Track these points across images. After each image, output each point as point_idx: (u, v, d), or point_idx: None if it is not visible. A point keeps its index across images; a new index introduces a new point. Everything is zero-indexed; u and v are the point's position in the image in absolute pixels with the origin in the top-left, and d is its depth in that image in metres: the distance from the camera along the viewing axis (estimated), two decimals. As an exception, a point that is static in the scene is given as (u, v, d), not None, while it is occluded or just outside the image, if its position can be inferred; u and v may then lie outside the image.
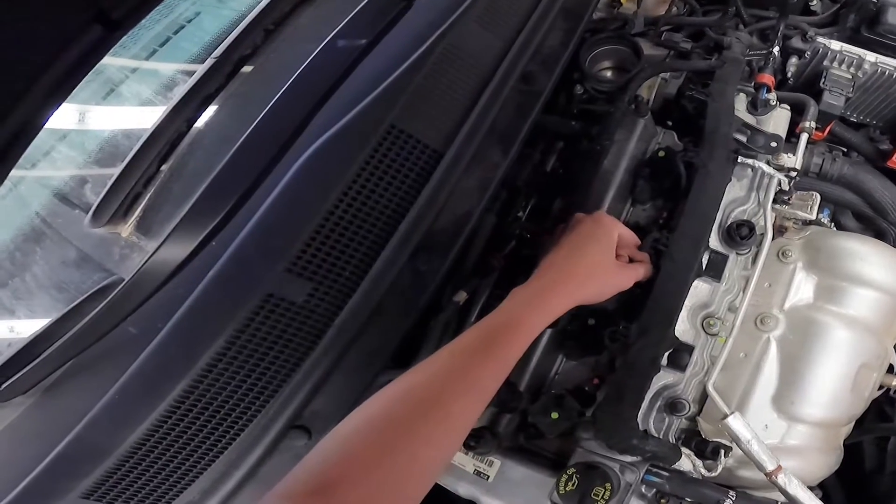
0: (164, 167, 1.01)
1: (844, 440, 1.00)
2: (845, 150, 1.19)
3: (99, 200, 0.98)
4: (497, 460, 0.91)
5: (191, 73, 1.07)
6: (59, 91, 0.56)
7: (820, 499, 0.82)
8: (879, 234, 1.14)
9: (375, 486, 0.62)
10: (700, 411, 0.90)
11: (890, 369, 1.00)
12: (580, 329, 0.93)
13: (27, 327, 0.98)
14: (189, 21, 1.30)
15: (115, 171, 0.99)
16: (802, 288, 0.95)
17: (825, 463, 0.95)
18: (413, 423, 0.66)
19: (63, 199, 1.09)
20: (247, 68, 1.08)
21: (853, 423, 1.01)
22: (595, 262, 0.85)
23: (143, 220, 0.98)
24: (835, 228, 1.13)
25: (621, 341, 0.88)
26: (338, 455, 0.63)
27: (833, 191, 1.11)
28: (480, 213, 0.98)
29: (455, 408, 0.70)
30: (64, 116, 1.14)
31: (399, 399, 0.69)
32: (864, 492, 1.13)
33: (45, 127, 0.59)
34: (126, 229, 0.98)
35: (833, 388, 0.91)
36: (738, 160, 0.97)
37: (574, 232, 0.88)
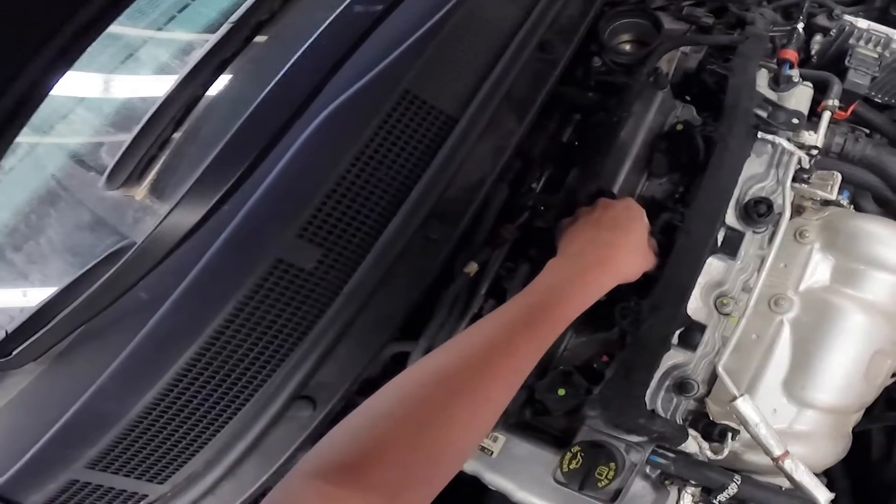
0: (178, 131, 1.01)
1: (853, 428, 0.98)
2: (868, 131, 1.16)
3: (114, 163, 0.98)
4: (501, 436, 0.89)
5: (207, 39, 1.06)
6: (68, 55, 0.54)
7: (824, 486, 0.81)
8: (899, 218, 1.11)
9: (408, 468, 0.59)
10: (708, 392, 0.88)
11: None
12: (590, 304, 0.92)
13: (40, 292, 0.98)
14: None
15: (131, 135, 0.99)
16: (819, 270, 0.93)
17: (833, 450, 0.94)
18: (452, 408, 0.63)
19: (79, 162, 1.09)
20: (263, 35, 1.07)
21: (863, 411, 0.99)
22: (638, 239, 0.85)
23: (157, 183, 0.98)
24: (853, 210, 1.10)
25: (632, 318, 0.87)
26: (370, 434, 0.61)
27: (854, 172, 1.08)
28: (493, 181, 0.97)
29: (495, 392, 0.67)
30: (81, 82, 1.14)
31: (436, 379, 0.65)
32: (870, 480, 1.12)
33: (63, 92, 0.56)
34: (140, 192, 0.99)
35: (845, 374, 0.90)
36: (759, 136, 0.95)
37: (611, 210, 0.86)
